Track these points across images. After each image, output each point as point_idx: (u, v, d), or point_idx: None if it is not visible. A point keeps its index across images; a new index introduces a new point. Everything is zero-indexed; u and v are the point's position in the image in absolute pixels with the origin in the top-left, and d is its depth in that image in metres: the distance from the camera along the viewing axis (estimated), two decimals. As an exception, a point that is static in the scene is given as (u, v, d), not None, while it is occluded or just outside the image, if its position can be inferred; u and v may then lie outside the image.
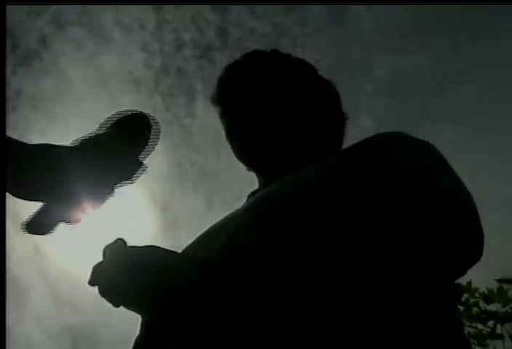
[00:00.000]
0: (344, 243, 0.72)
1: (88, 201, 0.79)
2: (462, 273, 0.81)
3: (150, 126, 0.89)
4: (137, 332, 0.86)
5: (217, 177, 4.10)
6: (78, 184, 0.77)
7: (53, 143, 0.79)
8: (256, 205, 0.89)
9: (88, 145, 0.81)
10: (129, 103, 4.24)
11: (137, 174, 0.85)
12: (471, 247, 0.78)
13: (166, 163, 3.87)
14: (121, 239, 0.77)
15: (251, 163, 1.06)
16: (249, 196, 1.05)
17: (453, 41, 4.41)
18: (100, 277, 0.76)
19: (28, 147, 0.77)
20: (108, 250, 0.77)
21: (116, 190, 0.82)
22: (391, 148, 0.87)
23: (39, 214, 0.77)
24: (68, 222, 0.78)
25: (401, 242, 0.72)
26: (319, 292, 0.71)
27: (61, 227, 0.78)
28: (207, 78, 3.96)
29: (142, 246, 0.76)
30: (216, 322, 0.72)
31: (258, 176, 1.08)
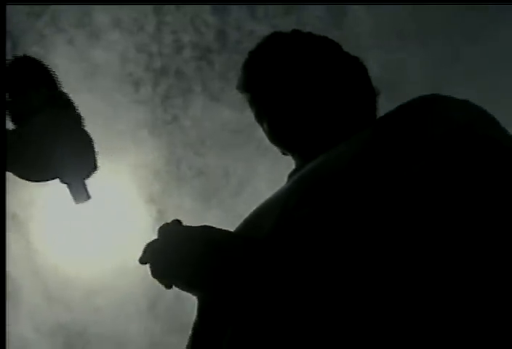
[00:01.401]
0: (399, 218, 0.68)
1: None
2: None
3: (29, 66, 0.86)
4: (194, 317, 0.84)
5: (211, 175, 4.11)
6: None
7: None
8: (299, 184, 0.86)
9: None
10: (127, 104, 4.26)
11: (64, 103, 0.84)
12: None
13: (161, 161, 3.88)
14: (178, 220, 0.77)
15: (285, 145, 1.05)
16: (289, 176, 1.04)
17: (452, 42, 4.42)
18: (154, 254, 0.75)
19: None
20: (163, 230, 0.76)
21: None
22: (432, 110, 0.82)
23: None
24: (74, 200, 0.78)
25: (470, 209, 0.66)
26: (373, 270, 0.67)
27: (57, 219, 0.80)
28: (206, 80, 3.96)
29: (198, 226, 0.75)
30: (274, 306, 0.70)
31: (294, 157, 1.07)
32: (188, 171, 3.91)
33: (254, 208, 0.93)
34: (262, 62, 1.05)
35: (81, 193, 0.78)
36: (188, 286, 0.76)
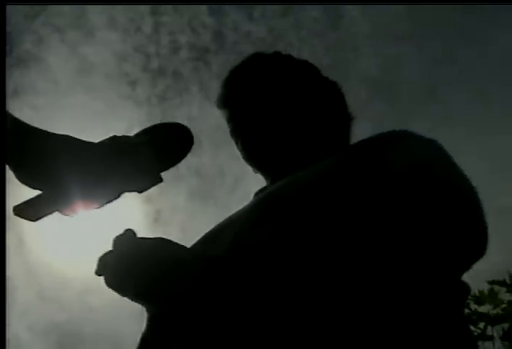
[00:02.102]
0: (347, 238, 0.72)
1: (91, 200, 0.76)
2: (467, 267, 0.81)
3: (183, 140, 0.84)
4: (144, 327, 0.86)
5: (207, 174, 4.12)
6: (88, 181, 0.74)
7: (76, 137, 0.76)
8: (261, 202, 0.90)
9: (112, 146, 0.77)
10: (123, 103, 4.26)
11: (151, 186, 0.79)
12: (476, 241, 0.78)
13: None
14: (131, 230, 0.77)
15: (255, 164, 1.07)
16: (256, 194, 1.07)
17: (448, 44, 4.43)
18: (106, 267, 0.76)
19: (50, 136, 0.74)
20: (117, 240, 0.77)
21: (121, 195, 0.79)
22: (398, 145, 0.87)
23: (35, 199, 0.74)
24: (62, 212, 0.75)
25: (406, 236, 0.72)
26: (321, 289, 0.70)
27: (52, 217, 0.76)
28: (203, 81, 3.97)
29: (152, 238, 0.75)
30: (221, 323, 0.72)
31: (265, 176, 1.09)
32: (185, 170, 3.92)
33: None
34: (241, 81, 1.09)
35: (36, 207, 0.74)
36: (137, 299, 0.78)
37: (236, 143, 1.07)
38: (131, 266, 0.72)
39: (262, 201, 0.90)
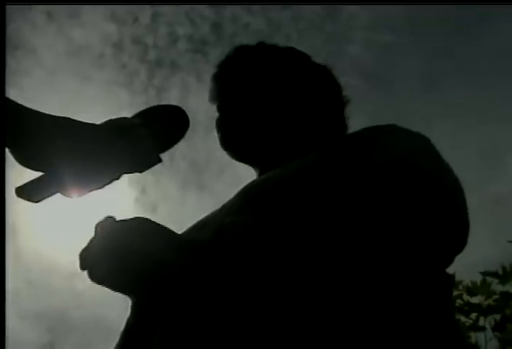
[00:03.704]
0: (328, 228, 0.72)
1: (91, 181, 0.76)
2: (449, 260, 0.81)
3: (179, 121, 0.85)
4: (128, 313, 0.86)
5: (193, 160, 4.14)
6: (87, 162, 0.74)
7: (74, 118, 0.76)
8: (246, 190, 0.90)
9: (111, 127, 0.78)
10: (122, 96, 4.27)
11: (150, 166, 0.81)
12: (456, 234, 0.78)
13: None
14: (111, 217, 0.77)
15: (233, 156, 1.07)
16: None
17: (446, 38, 4.44)
18: (86, 261, 0.76)
19: (48, 117, 0.75)
20: (98, 229, 0.77)
21: (121, 176, 0.79)
22: (384, 139, 0.87)
23: (36, 181, 0.74)
24: (63, 194, 0.75)
25: (384, 228, 0.73)
26: (301, 275, 0.71)
27: (54, 199, 0.76)
28: (201, 72, 3.99)
29: (131, 222, 0.75)
30: (202, 310, 0.72)
31: (254, 169, 1.08)
32: (177, 157, 3.94)
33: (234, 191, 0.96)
34: (228, 74, 1.09)
35: (38, 188, 0.74)
36: (118, 291, 0.78)
37: (217, 133, 1.07)
38: (105, 260, 0.72)
39: (247, 189, 0.91)
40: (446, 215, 0.76)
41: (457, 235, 0.78)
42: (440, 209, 0.76)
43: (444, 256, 0.80)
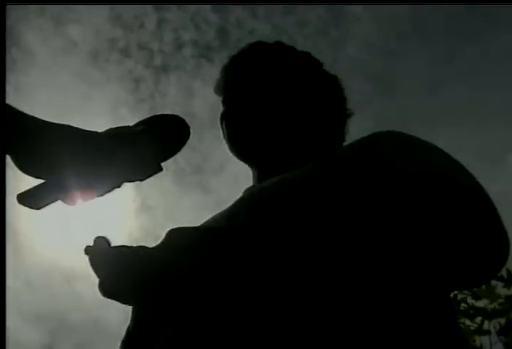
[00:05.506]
0: (344, 240, 0.71)
1: (92, 189, 0.77)
2: (491, 276, 0.80)
3: (181, 131, 0.85)
4: (129, 320, 0.86)
5: (190, 158, 4.15)
6: (89, 170, 0.75)
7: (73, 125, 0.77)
8: (251, 197, 0.89)
9: (113, 136, 0.78)
10: (128, 101, 4.30)
11: (151, 175, 0.81)
12: (498, 247, 0.75)
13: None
14: (103, 238, 0.79)
15: (237, 152, 1.05)
16: (245, 191, 1.04)
17: (450, 43, 4.44)
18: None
19: (49, 125, 0.75)
20: (90, 252, 0.77)
21: (122, 184, 0.80)
22: (377, 145, 0.86)
23: (38, 188, 0.75)
24: (64, 202, 0.76)
25: (418, 243, 0.71)
26: (314, 283, 0.70)
27: (55, 206, 0.77)
28: (206, 78, 4.01)
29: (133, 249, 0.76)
30: (205, 312, 0.72)
31: (252, 171, 1.07)
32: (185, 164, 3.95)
33: (232, 188, 0.96)
34: (240, 67, 1.07)
35: (39, 196, 0.75)
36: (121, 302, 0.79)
37: (221, 127, 1.05)
38: (105, 274, 0.73)
39: (252, 197, 0.89)
40: (486, 229, 0.74)
41: (498, 248, 0.75)
42: (478, 222, 0.74)
43: (485, 273, 0.78)
